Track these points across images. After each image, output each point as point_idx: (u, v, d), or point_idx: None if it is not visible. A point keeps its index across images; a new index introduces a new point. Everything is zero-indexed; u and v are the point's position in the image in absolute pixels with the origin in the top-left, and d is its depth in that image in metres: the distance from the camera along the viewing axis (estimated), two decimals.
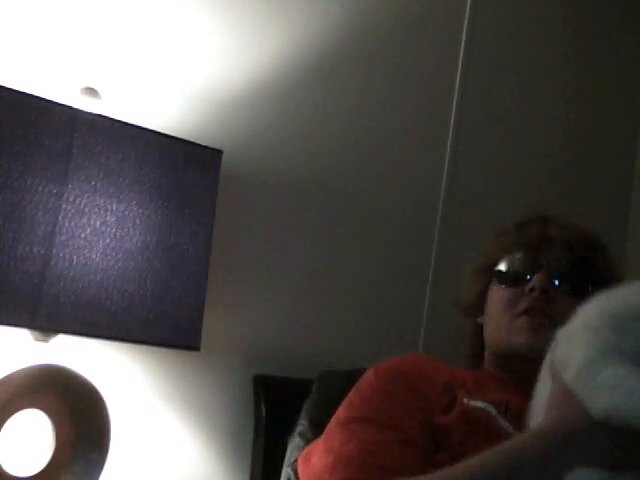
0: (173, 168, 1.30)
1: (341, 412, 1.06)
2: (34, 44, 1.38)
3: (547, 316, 1.10)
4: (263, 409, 1.49)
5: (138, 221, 1.25)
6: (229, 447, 1.53)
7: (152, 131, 1.30)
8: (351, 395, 1.08)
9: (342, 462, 0.96)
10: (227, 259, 1.54)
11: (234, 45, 1.59)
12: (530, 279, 1.13)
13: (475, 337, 1.23)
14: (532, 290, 1.11)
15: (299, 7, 1.67)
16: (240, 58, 1.59)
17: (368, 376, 1.09)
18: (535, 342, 1.07)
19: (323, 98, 1.70)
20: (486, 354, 1.20)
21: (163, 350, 1.38)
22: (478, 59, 1.91)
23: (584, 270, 1.16)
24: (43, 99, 1.21)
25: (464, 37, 1.89)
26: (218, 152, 1.39)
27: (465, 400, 1.03)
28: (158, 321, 1.25)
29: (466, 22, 1.89)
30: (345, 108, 1.73)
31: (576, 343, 0.84)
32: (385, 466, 0.94)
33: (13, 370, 1.17)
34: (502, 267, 1.18)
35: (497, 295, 1.17)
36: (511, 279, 1.16)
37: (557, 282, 1.13)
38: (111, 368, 1.40)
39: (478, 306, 1.22)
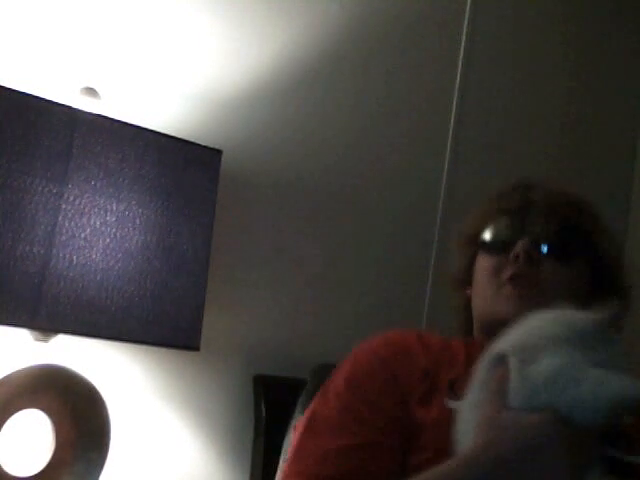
0: (173, 168, 1.30)
1: (314, 406, 1.04)
2: (34, 44, 1.38)
3: (533, 283, 1.06)
4: (263, 409, 1.49)
5: (138, 221, 1.25)
6: (229, 447, 1.54)
7: (152, 131, 1.30)
8: (326, 386, 1.05)
9: (294, 472, 0.97)
10: (227, 259, 1.54)
11: (234, 45, 1.59)
12: (514, 245, 1.08)
13: (466, 310, 1.19)
14: (516, 257, 1.07)
15: (299, 7, 1.67)
16: (240, 58, 1.59)
17: (345, 366, 1.06)
18: (521, 310, 1.01)
19: (323, 98, 1.70)
20: (475, 324, 1.17)
21: (163, 350, 1.38)
22: (478, 59, 1.91)
23: (570, 235, 1.11)
24: (43, 99, 1.21)
25: (464, 37, 1.89)
26: (218, 152, 1.39)
27: (446, 401, 0.99)
28: (158, 321, 1.25)
29: (466, 22, 1.89)
30: (345, 108, 1.73)
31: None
32: (341, 475, 0.93)
33: (13, 370, 1.17)
34: (486, 236, 1.14)
35: (482, 264, 1.13)
36: (495, 247, 1.12)
37: (542, 248, 1.08)
38: (111, 368, 1.40)
39: (466, 278, 1.18)
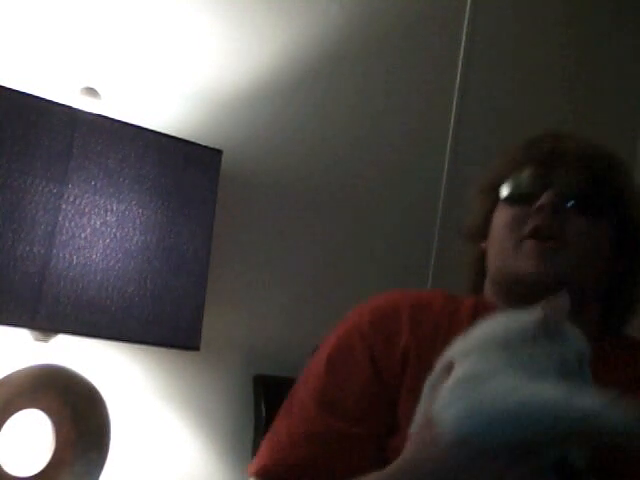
0: (173, 168, 1.30)
1: (296, 384, 1.02)
2: (34, 44, 1.38)
3: (557, 239, 0.97)
4: (263, 409, 1.49)
5: (138, 221, 1.25)
6: (229, 447, 1.53)
7: (152, 131, 1.30)
8: (311, 361, 1.03)
9: (266, 455, 0.97)
10: (227, 259, 1.54)
11: (234, 45, 1.59)
12: (539, 197, 0.99)
13: (478, 265, 1.10)
14: (540, 209, 0.98)
15: (299, 7, 1.67)
16: (240, 58, 1.59)
17: (329, 340, 1.03)
18: (543, 268, 0.95)
19: (323, 98, 1.70)
20: (487, 283, 1.08)
21: (163, 350, 1.38)
22: (478, 59, 1.91)
23: (600, 188, 1.01)
24: (43, 99, 1.21)
25: (464, 37, 1.89)
26: (218, 152, 1.39)
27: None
28: (158, 321, 1.25)
29: (466, 22, 1.89)
30: (345, 108, 1.73)
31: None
32: (306, 461, 0.93)
33: (13, 370, 1.17)
34: (509, 185, 1.05)
35: (502, 216, 1.04)
36: (518, 198, 1.03)
37: (569, 201, 0.99)
38: (111, 368, 1.40)
39: (482, 230, 1.09)
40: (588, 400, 0.66)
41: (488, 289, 1.07)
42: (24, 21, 1.38)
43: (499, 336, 0.75)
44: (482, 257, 1.09)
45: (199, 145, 1.36)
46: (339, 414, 0.94)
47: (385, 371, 0.97)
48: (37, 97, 1.21)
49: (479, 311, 1.00)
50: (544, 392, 0.68)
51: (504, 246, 1.01)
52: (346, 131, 1.73)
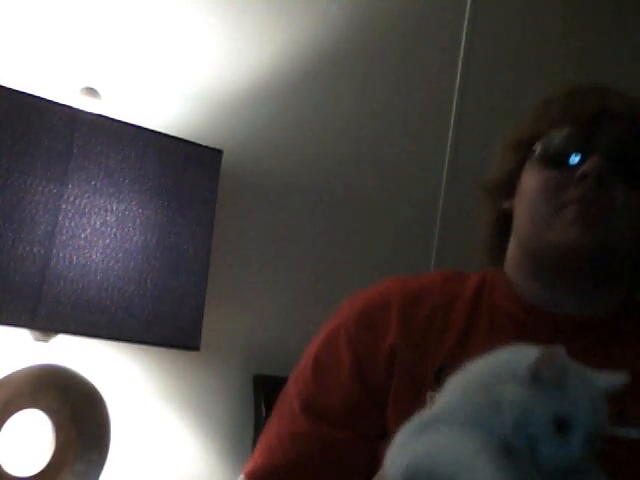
0: (173, 168, 1.30)
1: (288, 383, 1.00)
2: (34, 44, 1.38)
3: (603, 209, 0.88)
4: (263, 409, 1.49)
5: (138, 221, 1.25)
6: (229, 447, 1.53)
7: (152, 131, 1.30)
8: (302, 359, 1.00)
9: (257, 455, 0.96)
10: (227, 259, 1.54)
11: (234, 45, 1.59)
12: (582, 161, 0.89)
13: (497, 227, 1.01)
14: (584, 176, 0.88)
15: (299, 7, 1.67)
16: (240, 58, 1.59)
17: (318, 338, 1.00)
18: (588, 237, 0.86)
19: (323, 98, 1.70)
20: (511, 252, 0.98)
21: (163, 350, 1.38)
22: (478, 59, 1.91)
23: None
24: (43, 99, 1.21)
25: (464, 37, 1.89)
26: (218, 152, 1.39)
27: (430, 395, 0.86)
28: (158, 321, 1.25)
29: (466, 22, 1.89)
30: (345, 108, 1.73)
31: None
32: (291, 462, 0.92)
33: (13, 370, 1.17)
34: (545, 144, 0.94)
35: (536, 178, 0.93)
36: (556, 160, 0.92)
37: (615, 167, 0.89)
38: (111, 368, 1.40)
39: (507, 188, 0.98)
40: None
41: (512, 256, 0.98)
42: (24, 21, 1.38)
43: (486, 372, 0.69)
44: (503, 218, 1.00)
45: (199, 145, 1.36)
46: (324, 418, 0.92)
47: (370, 372, 0.92)
48: (37, 97, 1.21)
49: (483, 292, 0.95)
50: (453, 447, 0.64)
51: (540, 212, 0.91)
52: (346, 131, 1.73)
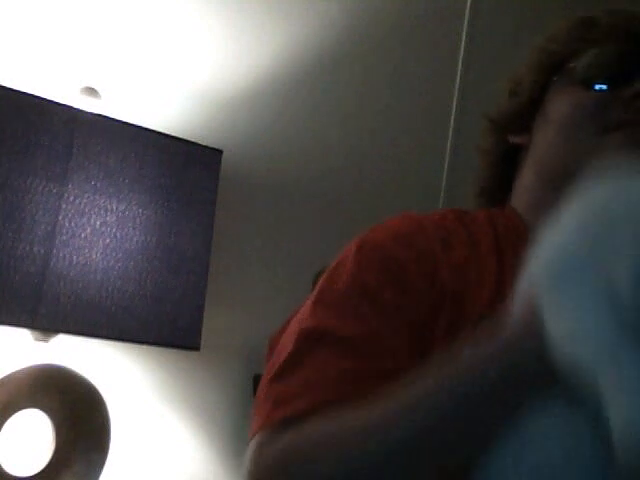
0: (173, 168, 1.30)
1: (307, 309, 0.80)
2: (34, 44, 1.38)
3: None
4: None
5: (138, 221, 1.25)
6: (229, 447, 1.53)
7: (152, 131, 1.31)
8: (325, 283, 0.81)
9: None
10: (227, 259, 1.54)
11: (234, 45, 1.59)
12: (628, 80, 0.80)
13: (503, 165, 0.92)
14: (636, 96, 0.78)
15: (299, 7, 1.67)
16: (240, 58, 1.59)
17: (346, 262, 0.82)
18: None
19: (323, 98, 1.70)
20: (524, 189, 0.87)
21: (163, 350, 1.38)
22: (478, 59, 1.91)
23: None
24: (43, 99, 1.21)
25: (464, 37, 1.89)
26: (218, 152, 1.39)
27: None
28: (158, 321, 1.25)
29: (466, 22, 1.89)
30: (345, 108, 1.73)
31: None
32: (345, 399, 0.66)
33: (13, 370, 1.17)
34: (584, 62, 0.84)
35: (572, 101, 0.83)
36: (599, 78, 0.82)
37: None
38: (111, 368, 1.40)
39: (519, 121, 0.90)
40: None
41: (525, 192, 0.88)
42: (24, 21, 1.38)
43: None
44: (511, 154, 0.91)
45: (199, 145, 1.36)
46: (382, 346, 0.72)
47: (416, 293, 0.75)
48: (37, 97, 1.21)
49: (496, 225, 0.84)
50: None
51: (579, 137, 0.81)
52: (346, 131, 1.73)
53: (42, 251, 1.15)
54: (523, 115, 0.89)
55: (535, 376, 0.57)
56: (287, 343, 0.80)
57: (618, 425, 0.47)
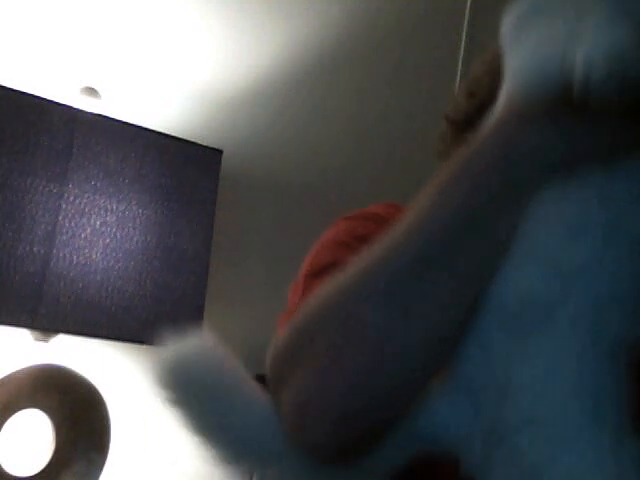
0: (173, 168, 1.30)
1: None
2: (34, 44, 1.38)
3: None
4: None
5: (138, 221, 1.25)
6: None
7: (152, 131, 1.31)
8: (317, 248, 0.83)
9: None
10: (227, 259, 1.54)
11: (234, 45, 1.59)
12: None
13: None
14: None
15: (299, 7, 1.67)
16: (240, 58, 1.59)
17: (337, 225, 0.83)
18: None
19: (323, 98, 1.70)
20: None
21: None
22: (478, 59, 1.91)
23: None
24: (43, 99, 1.21)
25: (464, 37, 1.89)
26: (218, 152, 1.39)
27: None
28: (158, 321, 1.25)
29: (466, 22, 1.89)
30: (345, 108, 1.73)
31: None
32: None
33: (13, 370, 1.17)
34: None
35: None
36: None
37: None
38: (111, 368, 1.40)
39: (480, 121, 0.89)
40: None
41: None
42: (24, 21, 1.38)
43: None
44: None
45: (199, 145, 1.36)
46: None
47: None
48: (37, 97, 1.21)
49: None
50: None
51: None
52: (346, 131, 1.73)
53: (42, 251, 1.16)
54: (482, 115, 0.87)
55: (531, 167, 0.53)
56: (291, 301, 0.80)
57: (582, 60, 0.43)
